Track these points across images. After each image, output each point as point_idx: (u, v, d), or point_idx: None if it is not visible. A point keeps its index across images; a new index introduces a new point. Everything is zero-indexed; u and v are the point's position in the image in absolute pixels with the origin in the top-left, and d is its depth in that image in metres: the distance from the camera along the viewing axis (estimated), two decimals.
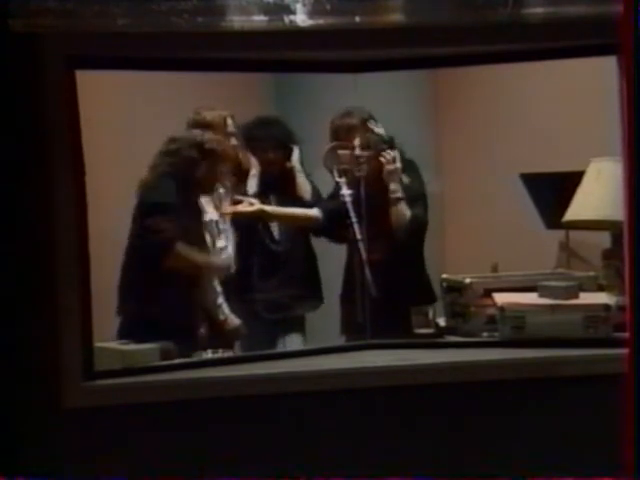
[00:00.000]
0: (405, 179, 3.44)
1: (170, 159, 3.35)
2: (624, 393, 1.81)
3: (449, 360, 2.91)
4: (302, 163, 3.69)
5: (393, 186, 3.39)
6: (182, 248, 3.26)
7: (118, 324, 3.27)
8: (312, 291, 3.70)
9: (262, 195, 3.62)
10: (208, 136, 3.40)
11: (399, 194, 3.39)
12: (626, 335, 1.94)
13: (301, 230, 3.68)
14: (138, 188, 3.34)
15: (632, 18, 1.65)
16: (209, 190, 3.46)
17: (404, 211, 3.40)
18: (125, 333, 3.18)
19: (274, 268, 3.64)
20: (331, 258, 3.72)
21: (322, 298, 3.70)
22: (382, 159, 3.39)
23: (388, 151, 3.40)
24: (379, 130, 3.46)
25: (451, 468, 2.74)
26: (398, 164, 3.40)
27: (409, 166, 3.49)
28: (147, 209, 3.28)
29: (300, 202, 3.65)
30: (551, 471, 2.70)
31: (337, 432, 2.77)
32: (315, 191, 3.68)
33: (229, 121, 3.59)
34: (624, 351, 1.93)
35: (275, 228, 3.68)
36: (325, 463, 2.72)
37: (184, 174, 3.34)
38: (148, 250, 3.24)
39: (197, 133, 3.40)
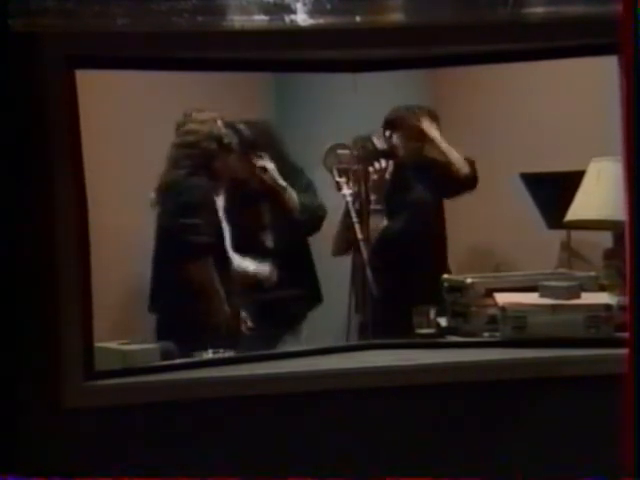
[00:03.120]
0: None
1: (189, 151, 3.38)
2: (624, 393, 1.81)
3: (450, 360, 2.90)
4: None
5: (374, 197, 3.42)
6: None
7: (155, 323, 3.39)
8: (309, 292, 3.69)
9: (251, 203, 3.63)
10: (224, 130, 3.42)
11: (378, 206, 3.41)
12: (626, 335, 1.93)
13: (297, 232, 3.67)
14: (162, 185, 3.38)
15: (631, 17, 1.64)
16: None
17: (378, 223, 3.41)
18: (162, 332, 3.29)
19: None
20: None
21: (320, 298, 3.69)
22: (370, 169, 3.40)
23: (381, 162, 3.41)
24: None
25: (452, 468, 2.73)
26: (387, 177, 3.40)
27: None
28: (184, 209, 3.32)
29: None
30: (552, 472, 2.69)
31: (338, 432, 2.76)
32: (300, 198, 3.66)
33: (219, 122, 3.58)
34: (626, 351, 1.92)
35: (267, 233, 3.66)
36: (326, 463, 2.71)
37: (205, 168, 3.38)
38: (183, 250, 3.29)
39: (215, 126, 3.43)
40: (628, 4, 1.72)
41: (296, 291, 3.66)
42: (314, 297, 3.72)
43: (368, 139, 3.46)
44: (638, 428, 1.74)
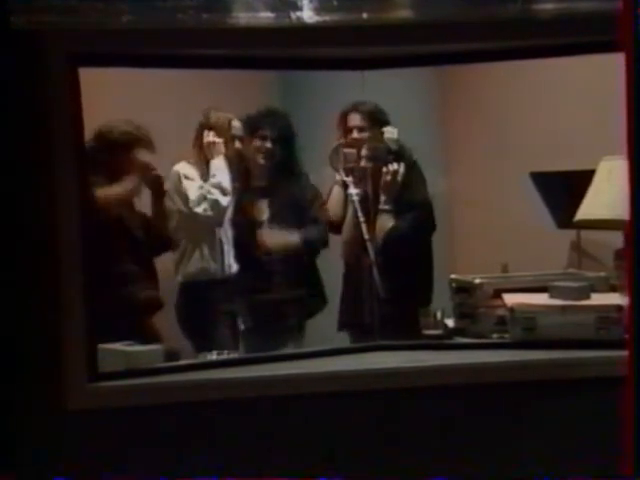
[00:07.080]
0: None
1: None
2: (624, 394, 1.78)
3: (458, 362, 2.89)
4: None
5: (383, 197, 3.39)
6: None
7: None
8: (312, 294, 3.65)
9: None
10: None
11: (387, 206, 3.39)
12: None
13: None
14: None
15: (631, 15, 1.61)
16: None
17: (386, 222, 3.38)
18: None
19: (264, 276, 3.60)
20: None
21: (325, 300, 3.65)
22: (384, 169, 3.38)
23: (393, 164, 3.38)
24: (389, 136, 3.43)
25: (459, 469, 2.71)
26: (398, 178, 3.38)
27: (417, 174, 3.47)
28: None
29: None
30: (562, 473, 2.67)
31: (344, 433, 2.75)
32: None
33: (234, 124, 3.57)
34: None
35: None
36: (331, 464, 2.69)
37: None
38: None
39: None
40: (628, 2, 1.69)
41: (299, 292, 3.62)
42: (319, 300, 3.68)
43: (382, 139, 3.44)
44: (638, 428, 1.70)
